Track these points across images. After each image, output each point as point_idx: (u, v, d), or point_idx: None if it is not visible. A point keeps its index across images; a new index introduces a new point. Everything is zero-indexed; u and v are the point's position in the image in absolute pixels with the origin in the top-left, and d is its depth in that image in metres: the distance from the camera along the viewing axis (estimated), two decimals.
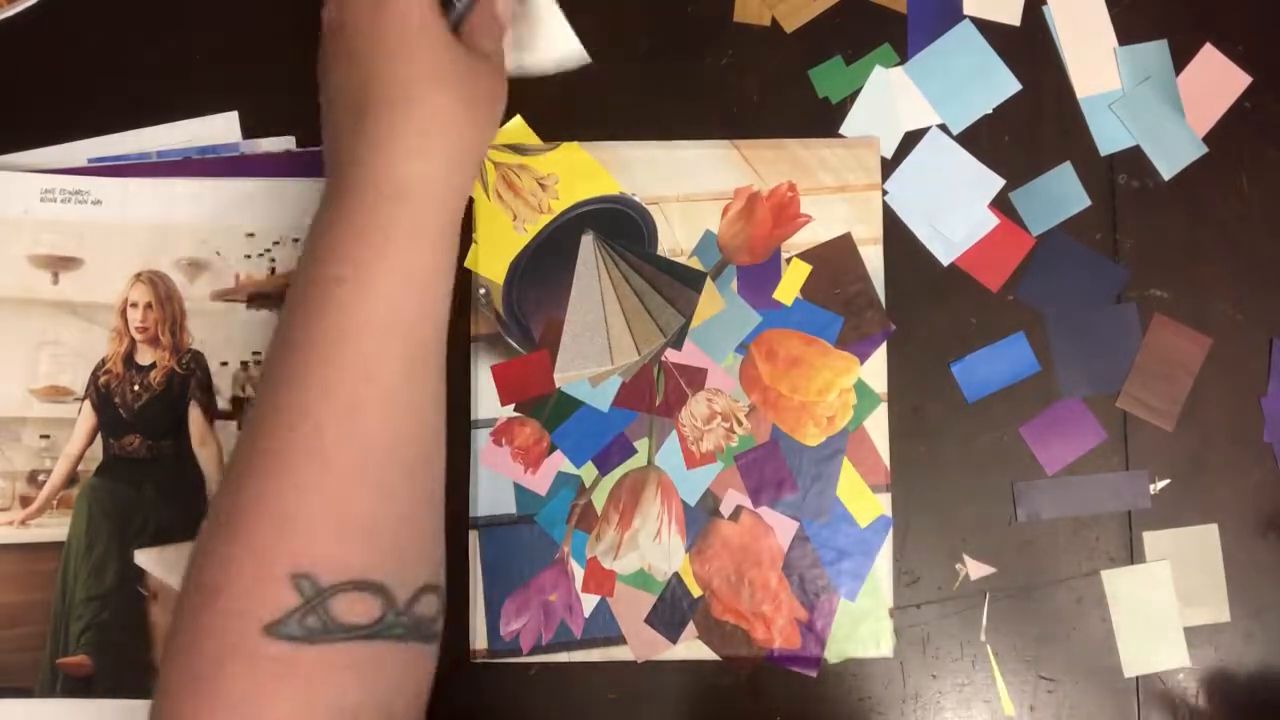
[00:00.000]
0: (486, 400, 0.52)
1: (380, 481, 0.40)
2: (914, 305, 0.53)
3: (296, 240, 0.53)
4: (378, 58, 0.43)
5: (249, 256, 0.53)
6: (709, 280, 0.52)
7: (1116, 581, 0.51)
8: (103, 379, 0.52)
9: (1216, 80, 0.54)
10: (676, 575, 0.51)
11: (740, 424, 0.52)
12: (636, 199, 0.53)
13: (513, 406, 0.52)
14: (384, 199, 0.42)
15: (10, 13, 0.55)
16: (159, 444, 0.52)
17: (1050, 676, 0.51)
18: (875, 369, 0.52)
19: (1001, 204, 0.54)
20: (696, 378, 0.52)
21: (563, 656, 0.50)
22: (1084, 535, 0.52)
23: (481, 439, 0.52)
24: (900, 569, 0.51)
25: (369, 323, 0.41)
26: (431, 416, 0.43)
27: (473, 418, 0.52)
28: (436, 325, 0.43)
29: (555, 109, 0.54)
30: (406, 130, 0.43)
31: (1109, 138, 0.54)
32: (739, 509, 0.51)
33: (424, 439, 0.42)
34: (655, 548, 0.51)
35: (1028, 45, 0.55)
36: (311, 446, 0.39)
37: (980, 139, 0.54)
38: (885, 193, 0.53)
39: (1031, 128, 0.54)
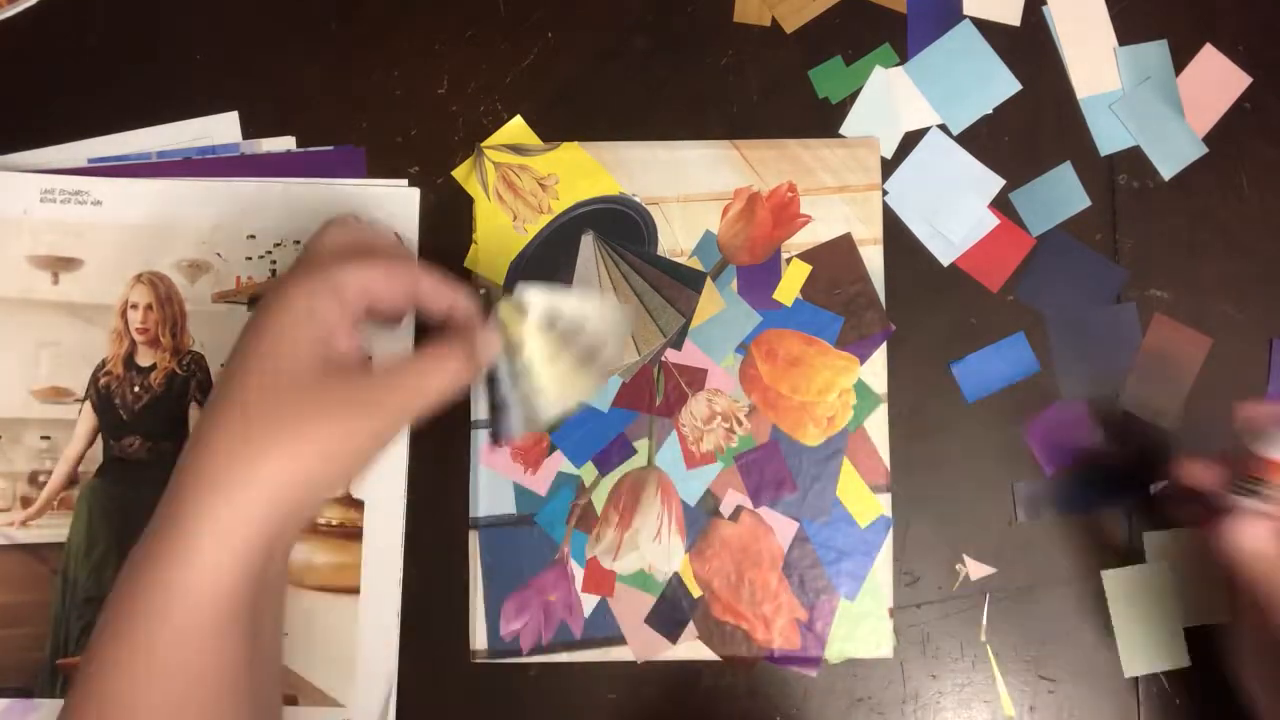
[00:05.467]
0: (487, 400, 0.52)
1: None
2: (914, 305, 0.53)
3: (298, 242, 0.53)
4: (243, 360, 0.38)
5: (250, 258, 0.53)
6: (709, 280, 0.52)
7: (1116, 581, 0.51)
8: (103, 380, 0.52)
9: (1216, 80, 0.54)
10: (676, 575, 0.51)
11: (740, 424, 0.52)
12: (636, 199, 0.53)
13: None
14: (163, 578, 0.35)
15: (10, 13, 0.55)
16: (159, 445, 0.52)
17: (1050, 676, 0.51)
18: (875, 369, 0.52)
19: (1001, 204, 0.54)
20: (696, 378, 0.52)
21: (563, 656, 0.50)
22: (1084, 535, 0.52)
23: (481, 439, 0.52)
24: (900, 569, 0.51)
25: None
26: None
27: (473, 418, 0.52)
28: (218, 708, 0.36)
29: (555, 109, 0.54)
30: (219, 495, 0.35)
31: (1109, 138, 0.54)
32: (739, 509, 0.51)
33: None
34: (655, 548, 0.51)
35: (1028, 45, 0.55)
36: None
37: (980, 139, 0.54)
38: (885, 193, 0.53)
39: (1031, 128, 0.54)
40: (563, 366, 0.42)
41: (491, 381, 0.43)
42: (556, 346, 0.42)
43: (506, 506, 0.51)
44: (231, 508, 0.35)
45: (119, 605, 0.36)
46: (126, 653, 0.35)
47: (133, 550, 0.36)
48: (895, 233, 0.53)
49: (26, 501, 0.51)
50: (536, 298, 0.42)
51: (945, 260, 0.53)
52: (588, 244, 0.53)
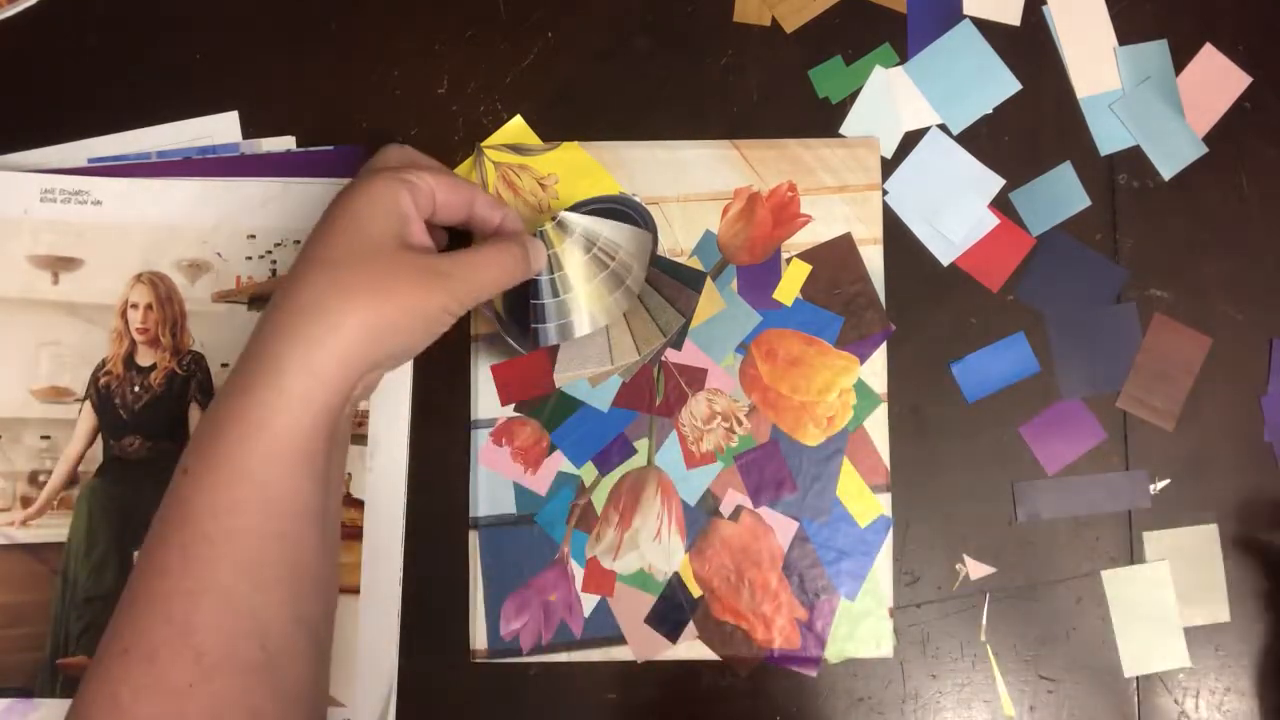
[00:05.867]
0: (486, 400, 0.52)
1: (216, 694, 0.38)
2: (914, 305, 0.53)
3: (297, 242, 0.53)
4: (328, 230, 0.41)
5: (250, 258, 0.53)
6: (709, 280, 0.52)
7: (1116, 581, 0.51)
8: (103, 380, 0.52)
9: (1216, 80, 0.54)
10: (676, 575, 0.51)
11: (740, 424, 0.52)
12: (636, 199, 0.53)
13: (513, 406, 0.52)
14: (241, 388, 0.39)
15: (10, 13, 0.55)
16: (159, 445, 0.52)
17: (1050, 676, 0.51)
18: (875, 369, 0.52)
19: (1001, 204, 0.54)
20: (696, 378, 0.52)
21: (563, 656, 0.50)
22: (1084, 535, 0.52)
23: (481, 439, 0.52)
24: (900, 569, 0.51)
25: (200, 528, 0.38)
26: (285, 633, 0.40)
27: (473, 418, 0.52)
28: (284, 527, 0.40)
29: (555, 109, 0.54)
30: (295, 320, 0.39)
31: (1109, 138, 0.54)
32: (739, 509, 0.51)
33: (272, 656, 0.39)
34: (655, 548, 0.51)
35: (1028, 45, 0.55)
36: (142, 671, 0.37)
37: (980, 139, 0.54)
38: (885, 193, 0.53)
39: (1031, 128, 0.54)
40: (597, 285, 0.48)
41: (532, 292, 0.47)
42: (593, 267, 0.48)
43: (506, 506, 0.51)
44: (322, 349, 0.39)
45: (212, 428, 0.39)
46: (216, 462, 0.39)
47: (224, 384, 0.40)
48: (895, 233, 0.53)
49: (26, 501, 0.51)
50: (578, 220, 0.48)
51: (945, 260, 0.53)
52: None
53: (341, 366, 0.39)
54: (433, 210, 0.44)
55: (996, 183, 0.54)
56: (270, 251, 0.53)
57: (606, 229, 0.48)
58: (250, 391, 0.39)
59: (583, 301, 0.48)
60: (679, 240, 0.53)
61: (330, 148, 0.54)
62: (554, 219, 0.47)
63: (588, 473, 0.51)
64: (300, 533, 0.40)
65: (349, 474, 0.51)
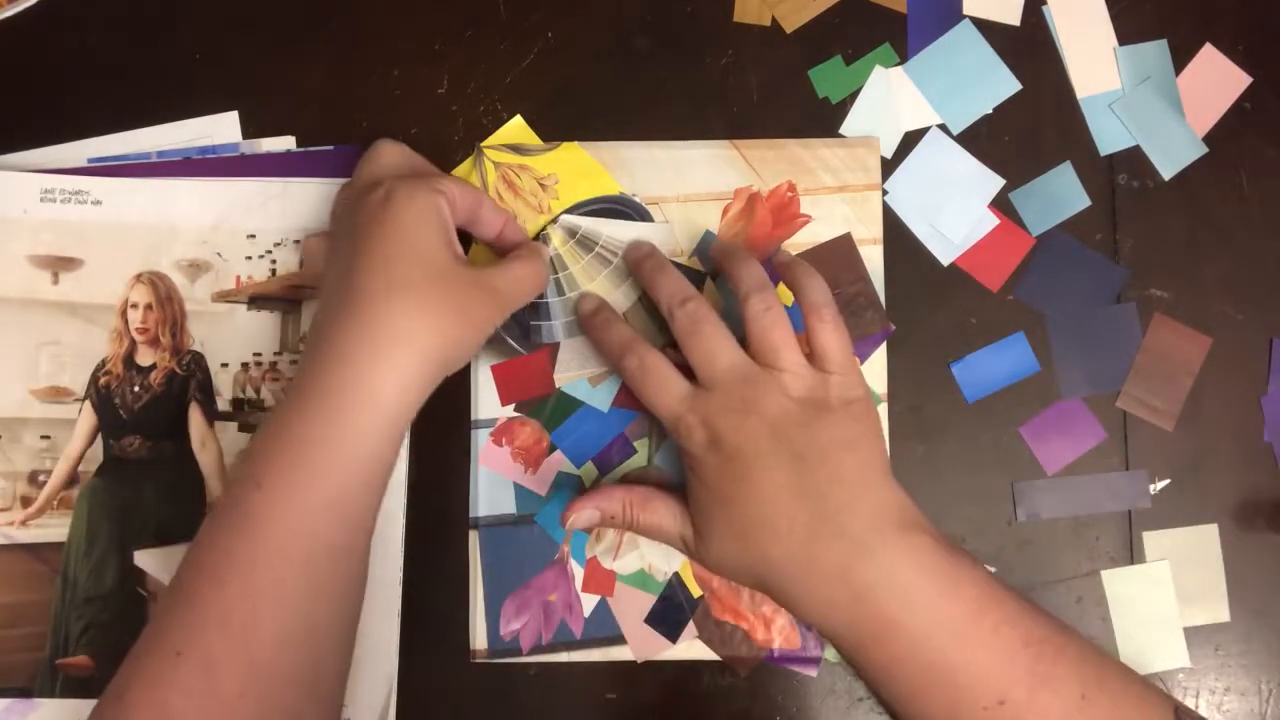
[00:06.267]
0: (486, 400, 0.52)
1: (264, 699, 0.38)
2: (914, 305, 0.53)
3: (298, 242, 0.53)
4: (385, 246, 0.42)
5: (250, 258, 0.53)
6: (709, 280, 0.52)
7: (1116, 581, 0.51)
8: (103, 380, 0.52)
9: (1216, 80, 0.54)
10: (676, 575, 0.51)
11: None
12: (636, 199, 0.53)
13: (513, 406, 0.52)
14: (329, 411, 0.40)
15: (10, 12, 0.55)
16: (159, 445, 0.52)
17: None
18: (875, 369, 0.52)
19: (1001, 204, 0.54)
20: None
21: (563, 656, 0.50)
22: (1084, 535, 0.52)
23: (481, 439, 0.52)
24: None
25: (271, 541, 0.39)
26: (331, 640, 0.41)
27: (473, 418, 0.52)
28: (353, 542, 0.42)
29: (555, 109, 0.54)
30: (376, 341, 0.41)
31: (1109, 138, 0.54)
32: None
33: (319, 662, 0.41)
34: (655, 548, 0.51)
35: (1028, 45, 0.55)
36: (196, 677, 0.37)
37: (980, 139, 0.54)
38: (885, 193, 0.53)
39: (1031, 128, 0.54)
40: (600, 282, 0.50)
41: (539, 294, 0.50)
42: (596, 265, 0.50)
43: (506, 506, 0.51)
44: (411, 373, 0.41)
45: (291, 447, 0.40)
46: (297, 481, 0.40)
47: (295, 398, 0.41)
48: (895, 233, 0.53)
49: (26, 501, 0.51)
50: (579, 221, 0.50)
51: (945, 260, 0.53)
52: None
53: (423, 390, 0.42)
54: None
55: (996, 183, 0.54)
56: (270, 251, 0.53)
57: (608, 228, 0.50)
58: (341, 416, 0.40)
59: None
60: (679, 240, 0.53)
61: (330, 148, 0.54)
62: (555, 220, 0.48)
63: (588, 473, 0.51)
64: (365, 546, 0.42)
65: None
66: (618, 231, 0.51)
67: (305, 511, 0.40)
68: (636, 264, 0.50)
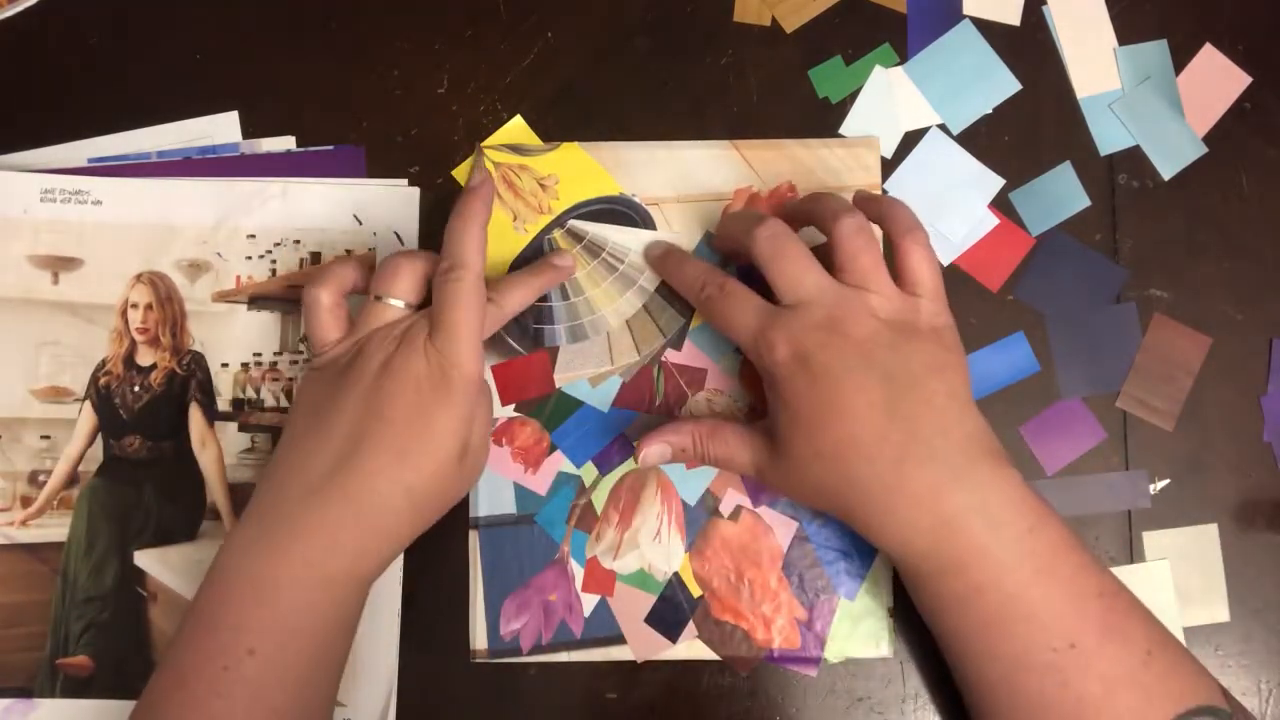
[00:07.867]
0: None
1: None
2: None
3: (298, 242, 0.53)
4: (405, 446, 0.42)
5: (250, 258, 0.53)
6: None
7: None
8: (103, 380, 0.52)
9: (1216, 80, 0.54)
10: (676, 575, 0.51)
11: None
12: (636, 199, 0.53)
13: (513, 406, 0.52)
14: (342, 594, 0.42)
15: (10, 13, 0.55)
16: (159, 445, 0.52)
17: None
18: None
19: (1001, 204, 0.54)
20: (696, 378, 0.52)
21: (563, 656, 0.50)
22: (1084, 535, 0.52)
23: None
24: None
25: (269, 700, 0.40)
26: (316, 708, 0.43)
27: None
28: (331, 685, 0.44)
29: (555, 109, 0.54)
30: (372, 510, 0.42)
31: (1109, 138, 0.54)
32: (739, 509, 0.51)
33: None
34: (655, 548, 0.51)
35: (1028, 45, 0.55)
36: None
37: (980, 139, 0.54)
38: (885, 192, 0.53)
39: (1031, 128, 0.54)
40: (607, 288, 0.51)
41: (543, 297, 0.51)
42: (602, 271, 0.51)
43: (506, 506, 0.51)
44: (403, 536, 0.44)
45: (279, 612, 0.41)
46: (283, 642, 0.41)
47: (279, 549, 0.41)
48: None
49: (26, 501, 0.51)
50: (586, 228, 0.51)
51: (945, 260, 0.53)
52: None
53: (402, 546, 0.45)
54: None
55: (996, 183, 0.54)
56: (270, 251, 0.53)
57: (614, 233, 0.51)
58: (331, 586, 0.41)
59: (595, 305, 0.50)
60: (679, 241, 0.53)
61: (330, 148, 0.54)
62: (562, 227, 0.49)
63: (588, 473, 0.51)
64: (350, 642, 0.44)
65: None
66: (624, 238, 0.51)
67: (298, 669, 0.41)
68: (660, 259, 0.50)
